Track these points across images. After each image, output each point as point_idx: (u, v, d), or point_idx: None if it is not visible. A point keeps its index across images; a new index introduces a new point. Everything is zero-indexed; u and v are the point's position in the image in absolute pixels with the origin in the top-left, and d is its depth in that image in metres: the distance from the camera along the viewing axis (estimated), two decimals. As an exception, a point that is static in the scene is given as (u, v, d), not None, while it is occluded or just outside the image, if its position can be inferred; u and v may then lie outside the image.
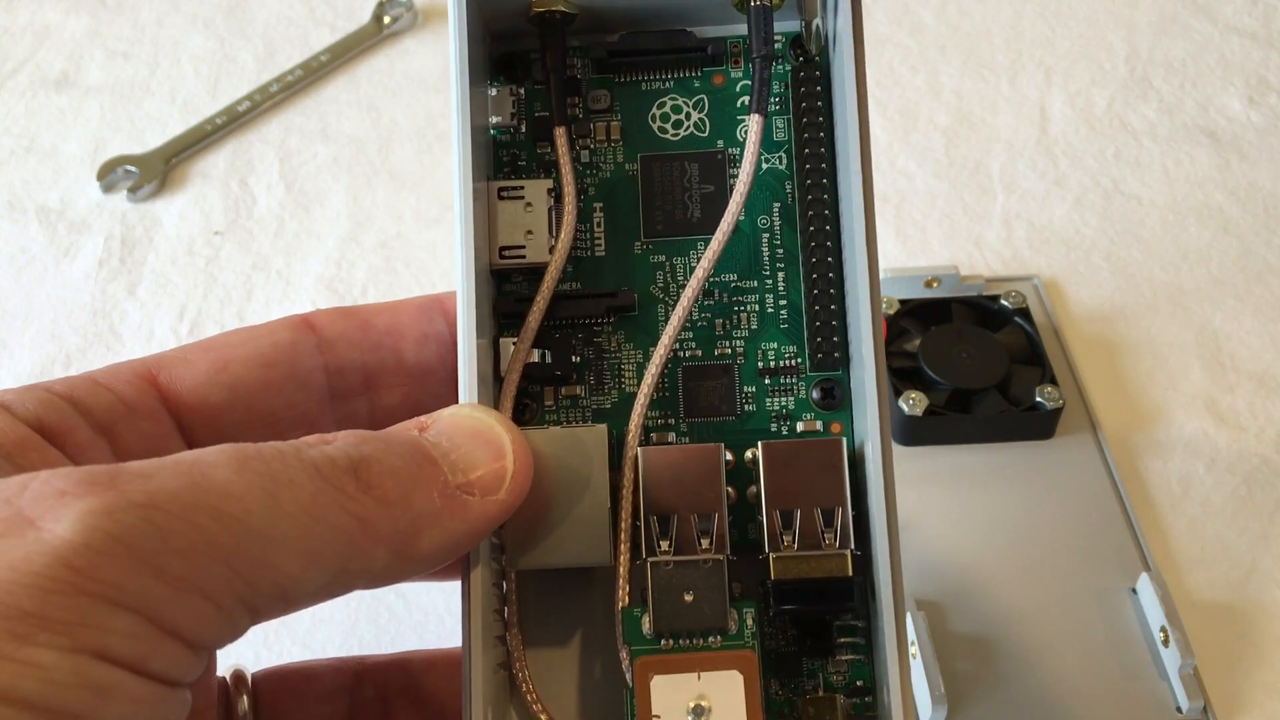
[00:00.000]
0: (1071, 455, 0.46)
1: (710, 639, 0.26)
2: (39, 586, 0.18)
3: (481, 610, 0.26)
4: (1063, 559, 0.43)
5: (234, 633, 0.21)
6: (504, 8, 0.28)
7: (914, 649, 0.39)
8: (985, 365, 0.46)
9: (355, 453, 0.23)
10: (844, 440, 0.27)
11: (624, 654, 0.26)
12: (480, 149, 0.28)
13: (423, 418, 0.25)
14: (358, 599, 0.43)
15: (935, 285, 0.49)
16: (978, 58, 0.63)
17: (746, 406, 0.28)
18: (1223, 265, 0.53)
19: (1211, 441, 0.47)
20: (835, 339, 0.28)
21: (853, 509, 0.26)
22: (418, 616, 0.42)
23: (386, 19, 0.65)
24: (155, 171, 0.57)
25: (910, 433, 0.46)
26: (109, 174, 0.57)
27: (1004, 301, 0.48)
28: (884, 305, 0.48)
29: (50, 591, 0.18)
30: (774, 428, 0.28)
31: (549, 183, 0.29)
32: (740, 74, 0.30)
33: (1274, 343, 0.50)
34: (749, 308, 0.29)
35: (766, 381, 0.29)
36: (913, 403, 0.45)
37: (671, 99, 0.30)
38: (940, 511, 0.44)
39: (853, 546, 0.26)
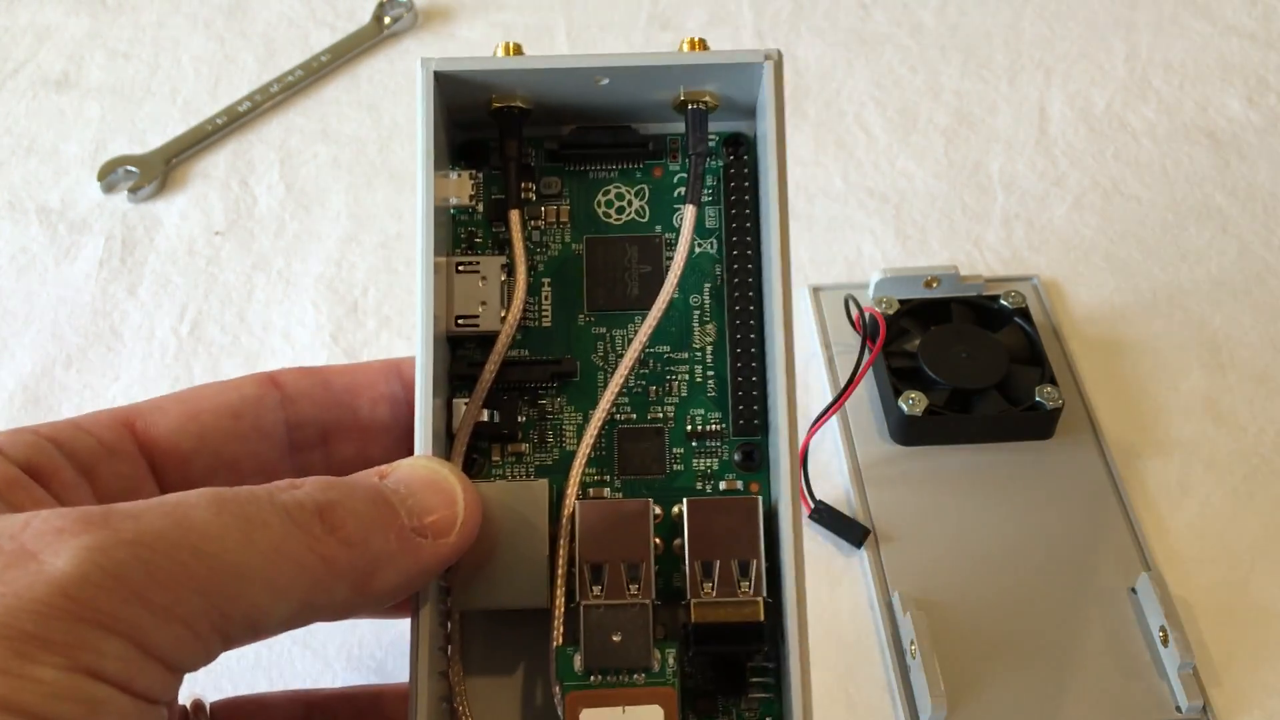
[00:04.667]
0: (1071, 455, 0.46)
1: (635, 676, 0.28)
2: (40, 612, 0.20)
3: (428, 647, 0.28)
4: (1063, 559, 0.43)
5: (208, 657, 0.23)
6: (467, 101, 0.32)
7: (914, 648, 0.39)
8: (985, 365, 0.46)
9: (322, 497, 0.25)
10: (760, 499, 0.29)
11: (556, 689, 0.28)
12: (442, 226, 0.31)
13: (382, 467, 0.28)
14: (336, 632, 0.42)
15: (935, 285, 0.49)
16: (977, 58, 0.64)
17: (675, 466, 0.31)
18: (1222, 265, 0.53)
19: (1211, 441, 0.47)
20: (755, 407, 0.31)
21: (766, 561, 0.29)
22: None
23: (387, 19, 0.65)
24: (156, 172, 0.57)
25: (909, 433, 0.46)
26: (110, 174, 0.57)
27: (1004, 301, 0.48)
28: (884, 305, 0.48)
29: (50, 617, 0.20)
30: (699, 486, 0.31)
31: (503, 259, 0.32)
32: (678, 167, 0.33)
33: (1274, 343, 0.50)
34: (680, 377, 0.32)
35: (693, 444, 0.31)
36: (912, 402, 0.45)
37: (616, 187, 0.33)
38: (940, 511, 0.44)
39: (765, 594, 0.28)
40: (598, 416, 0.30)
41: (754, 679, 0.30)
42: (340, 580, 0.25)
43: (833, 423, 0.47)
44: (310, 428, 0.32)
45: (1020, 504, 0.45)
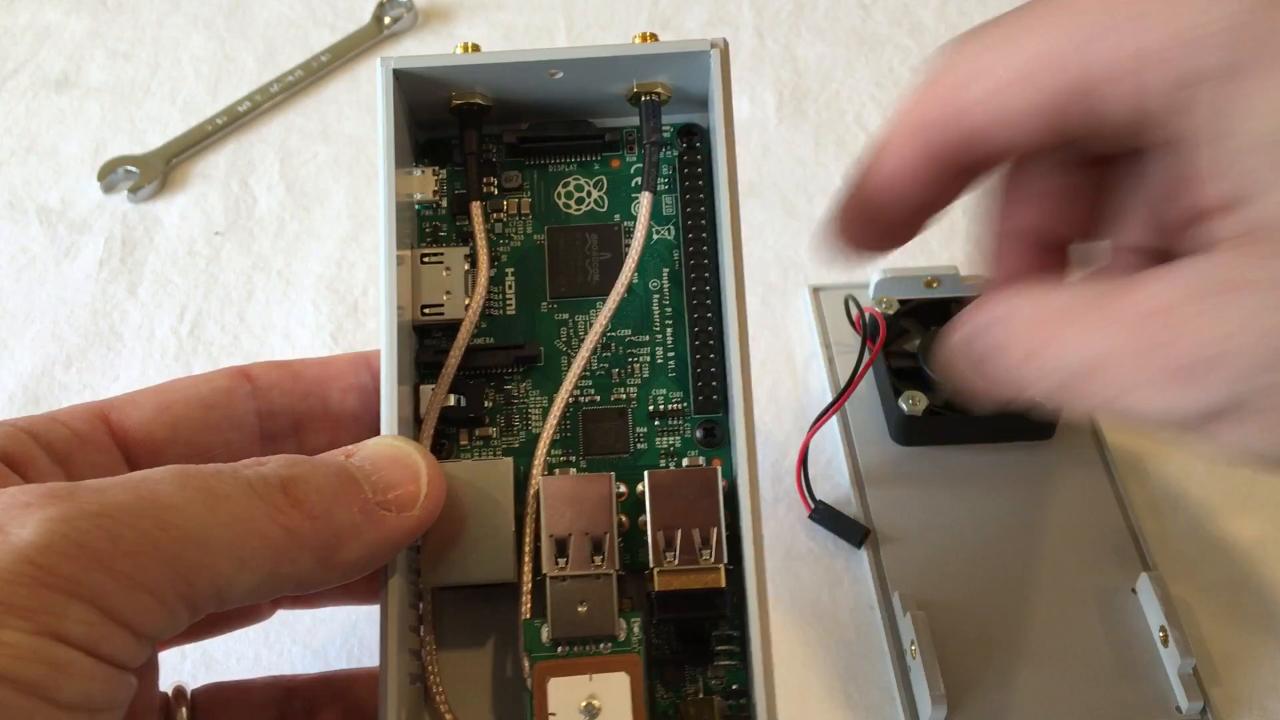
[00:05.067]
0: (1071, 456, 0.46)
1: (601, 645, 0.29)
2: (6, 580, 0.21)
3: (397, 626, 0.29)
4: (1063, 559, 0.43)
5: (174, 625, 0.24)
6: (429, 99, 0.33)
7: (914, 648, 0.39)
8: None
9: (286, 472, 0.26)
10: (719, 470, 0.30)
11: (525, 661, 0.29)
12: (406, 222, 0.32)
13: (349, 446, 0.29)
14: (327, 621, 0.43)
15: (935, 285, 0.49)
16: (978, 58, 0.63)
17: (639, 445, 0.32)
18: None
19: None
20: (715, 384, 0.32)
21: (727, 530, 0.29)
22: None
23: (387, 19, 0.65)
24: (156, 172, 0.57)
25: (909, 433, 0.46)
26: (110, 174, 0.57)
27: None
28: (884, 305, 0.48)
29: (16, 584, 0.21)
30: (663, 463, 0.32)
31: (466, 250, 0.33)
32: (634, 158, 0.34)
33: (1274, 343, 0.50)
34: (641, 359, 0.33)
35: (656, 423, 0.32)
36: (912, 402, 0.45)
37: (575, 179, 0.34)
38: (940, 512, 0.44)
39: (725, 561, 0.29)
40: (561, 398, 0.31)
41: (720, 647, 0.30)
42: (304, 551, 0.25)
43: (833, 423, 0.47)
44: (282, 417, 0.33)
45: (1020, 504, 0.45)
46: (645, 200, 0.32)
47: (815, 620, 0.43)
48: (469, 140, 0.33)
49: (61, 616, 0.22)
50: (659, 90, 0.33)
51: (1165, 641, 0.40)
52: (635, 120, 0.34)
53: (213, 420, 0.32)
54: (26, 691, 0.21)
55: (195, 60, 0.64)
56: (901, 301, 0.48)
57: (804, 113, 0.61)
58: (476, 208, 0.33)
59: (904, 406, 0.45)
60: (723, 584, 0.29)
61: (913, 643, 0.40)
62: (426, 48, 0.65)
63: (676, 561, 0.29)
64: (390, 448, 0.29)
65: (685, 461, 0.32)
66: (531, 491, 0.30)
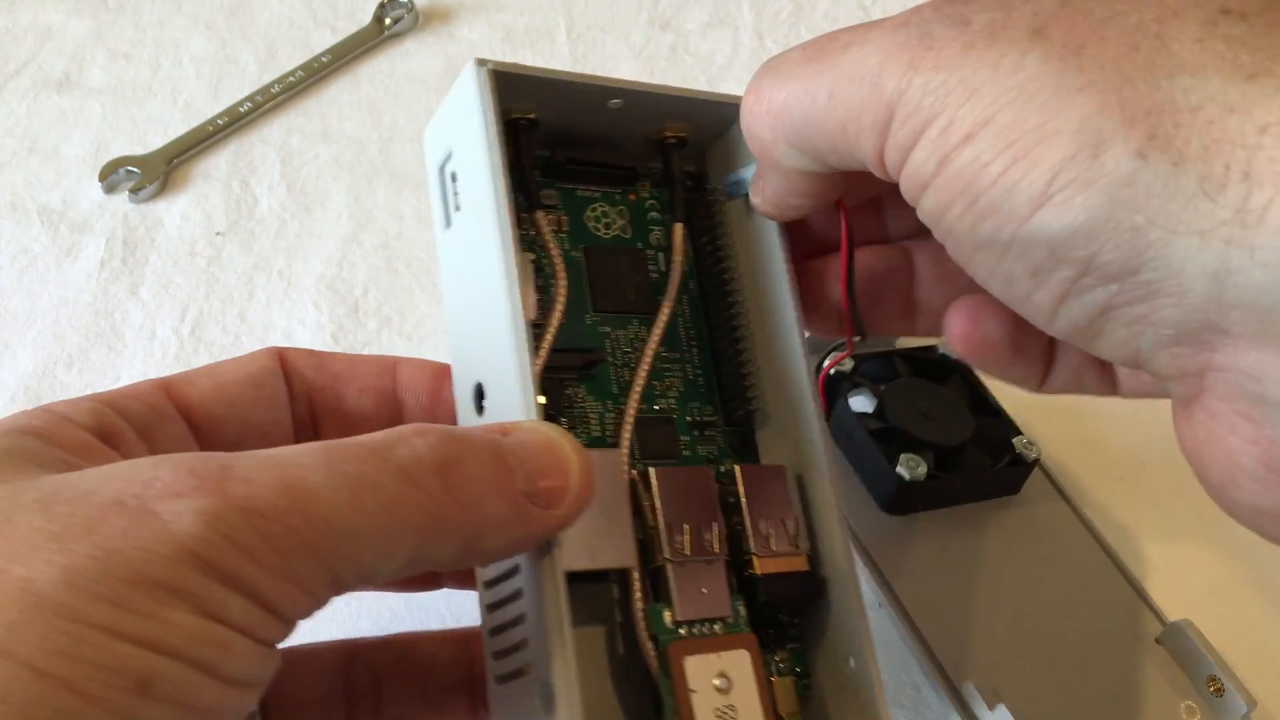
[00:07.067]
0: (1040, 506, 0.43)
1: (716, 626, 0.30)
2: (172, 565, 0.22)
3: (563, 608, 0.27)
4: (1090, 607, 0.41)
5: (319, 607, 0.25)
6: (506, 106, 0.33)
7: None
8: (953, 421, 0.42)
9: (444, 452, 0.25)
10: (785, 466, 0.33)
11: (650, 644, 0.30)
12: None
13: (504, 424, 0.28)
14: (360, 598, 0.43)
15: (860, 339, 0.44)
16: (977, 59, 0.64)
17: (685, 452, 0.34)
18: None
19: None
20: (745, 396, 0.34)
21: (805, 519, 0.32)
22: (419, 615, 0.42)
23: (388, 20, 0.65)
24: (157, 172, 0.57)
25: (905, 500, 0.42)
26: (111, 175, 0.57)
27: (942, 350, 0.44)
28: (838, 365, 0.45)
29: (182, 570, 0.22)
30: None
31: (531, 255, 0.34)
32: (648, 194, 0.37)
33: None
34: (676, 374, 0.35)
35: (695, 433, 0.34)
36: (913, 465, 0.41)
37: (600, 206, 0.36)
38: (960, 580, 0.41)
39: (808, 548, 0.32)
40: (632, 405, 0.33)
41: (786, 631, 0.33)
42: (449, 539, 0.25)
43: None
44: (301, 403, 0.34)
45: (1025, 561, 0.42)
46: (679, 231, 0.35)
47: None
48: (526, 153, 0.34)
49: (222, 602, 0.22)
50: (683, 133, 0.36)
51: (1220, 693, 0.38)
52: (649, 162, 0.37)
53: (263, 399, 0.33)
54: (200, 669, 0.22)
55: (196, 61, 0.64)
56: (855, 359, 0.44)
57: (803, 114, 0.61)
58: (540, 216, 0.34)
59: (904, 472, 0.40)
60: (808, 567, 0.32)
61: None
62: (427, 49, 0.65)
63: (775, 547, 0.31)
64: (544, 436, 0.27)
65: (723, 468, 0.33)
66: (644, 483, 0.31)
